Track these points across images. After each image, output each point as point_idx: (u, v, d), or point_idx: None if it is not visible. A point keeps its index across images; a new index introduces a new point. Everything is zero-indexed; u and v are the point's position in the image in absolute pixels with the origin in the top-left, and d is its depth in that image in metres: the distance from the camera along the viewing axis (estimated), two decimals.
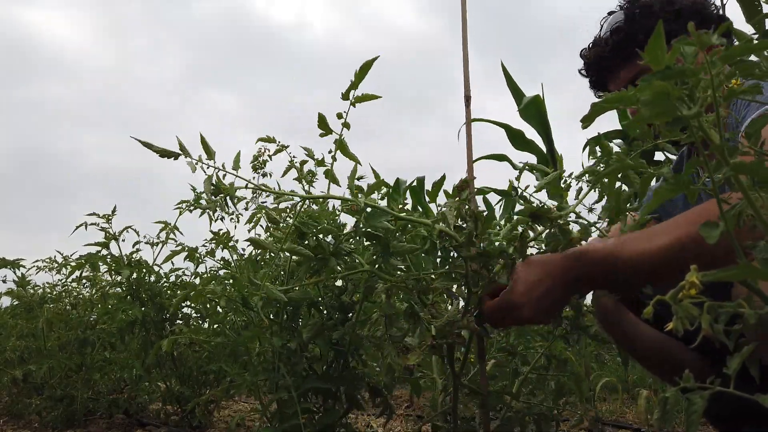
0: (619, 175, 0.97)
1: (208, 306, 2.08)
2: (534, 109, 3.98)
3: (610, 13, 1.49)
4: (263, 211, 1.37)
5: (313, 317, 1.46)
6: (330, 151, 1.30)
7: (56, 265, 2.76)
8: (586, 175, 1.06)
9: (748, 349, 0.67)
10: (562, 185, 1.18)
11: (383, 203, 1.35)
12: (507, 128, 4.03)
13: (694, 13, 1.39)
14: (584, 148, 3.73)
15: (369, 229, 1.26)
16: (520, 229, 1.12)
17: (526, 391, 1.47)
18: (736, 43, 0.64)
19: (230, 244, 1.85)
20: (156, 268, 2.36)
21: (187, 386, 2.40)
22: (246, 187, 1.25)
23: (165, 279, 2.37)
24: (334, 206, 1.50)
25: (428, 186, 4.56)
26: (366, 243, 1.32)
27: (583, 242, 1.10)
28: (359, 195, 1.27)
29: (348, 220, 1.43)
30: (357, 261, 1.30)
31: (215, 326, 2.04)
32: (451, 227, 1.08)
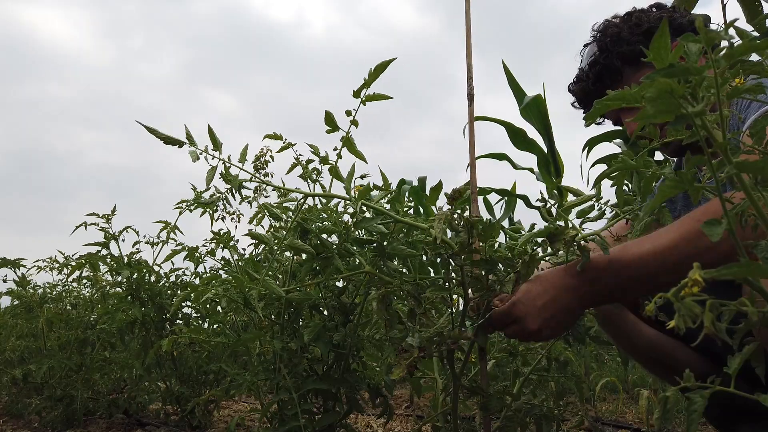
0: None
1: (208, 306, 2.08)
2: (535, 109, 3.95)
3: (585, 46, 1.52)
4: (265, 207, 1.37)
5: (314, 318, 1.46)
6: (335, 149, 1.29)
7: (57, 265, 2.76)
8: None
9: (749, 348, 0.67)
10: (596, 212, 1.16)
11: (387, 206, 1.33)
12: (509, 126, 4.00)
13: None
14: (584, 148, 3.72)
15: (361, 233, 1.24)
16: (529, 249, 1.10)
17: (526, 392, 1.46)
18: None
19: (231, 244, 1.85)
20: (156, 268, 2.35)
21: (187, 386, 2.39)
22: (251, 180, 1.25)
23: (165, 279, 2.37)
24: (337, 204, 1.49)
25: (428, 187, 4.55)
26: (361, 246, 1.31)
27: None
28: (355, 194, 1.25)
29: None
30: (358, 262, 1.29)
31: (215, 326, 2.04)
32: (439, 240, 1.06)
